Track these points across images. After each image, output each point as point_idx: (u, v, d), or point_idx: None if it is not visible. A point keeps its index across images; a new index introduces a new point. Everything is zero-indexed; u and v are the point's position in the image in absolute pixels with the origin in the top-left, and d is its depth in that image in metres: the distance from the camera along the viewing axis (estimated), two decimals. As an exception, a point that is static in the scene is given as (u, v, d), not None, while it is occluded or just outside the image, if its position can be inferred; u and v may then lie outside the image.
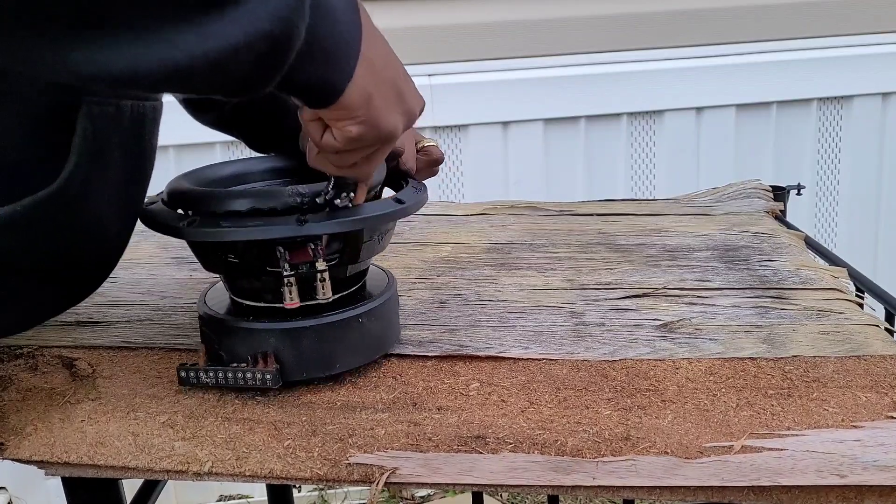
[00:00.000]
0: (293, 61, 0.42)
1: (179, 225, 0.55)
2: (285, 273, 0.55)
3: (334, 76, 0.45)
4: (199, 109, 0.72)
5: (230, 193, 0.57)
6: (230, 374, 0.58)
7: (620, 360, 0.64)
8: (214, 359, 0.60)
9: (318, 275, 0.56)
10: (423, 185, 0.65)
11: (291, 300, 0.56)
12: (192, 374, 0.59)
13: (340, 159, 0.52)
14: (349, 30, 0.45)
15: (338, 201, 0.55)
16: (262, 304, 0.60)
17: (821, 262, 0.86)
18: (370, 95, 0.48)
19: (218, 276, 0.63)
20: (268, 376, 0.57)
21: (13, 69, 0.36)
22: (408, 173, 0.68)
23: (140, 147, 0.56)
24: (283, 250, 0.55)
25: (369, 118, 0.49)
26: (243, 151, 1.49)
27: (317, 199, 0.54)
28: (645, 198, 1.41)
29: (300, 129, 0.66)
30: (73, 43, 0.35)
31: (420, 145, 0.72)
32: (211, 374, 0.58)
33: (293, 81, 0.44)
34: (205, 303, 0.62)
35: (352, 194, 0.55)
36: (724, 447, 0.52)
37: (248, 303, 0.61)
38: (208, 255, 0.59)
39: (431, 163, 0.73)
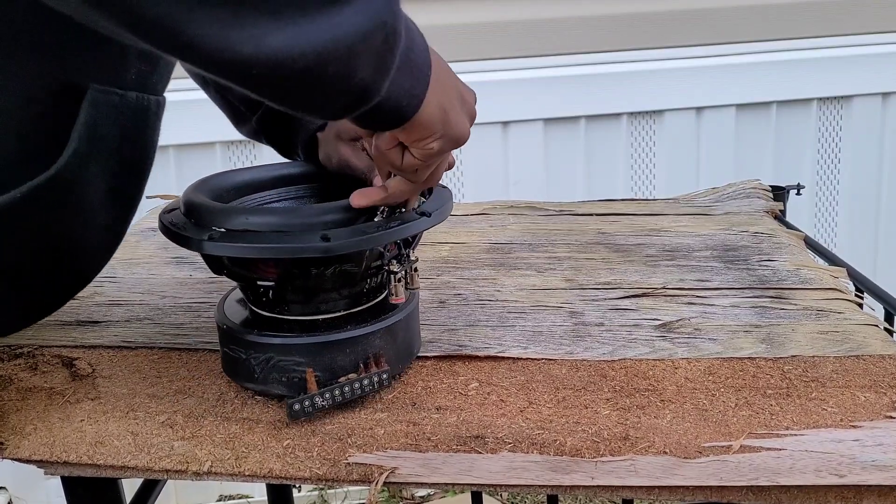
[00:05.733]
0: (395, 69, 0.44)
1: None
2: (395, 270, 0.59)
3: (417, 88, 0.48)
4: (241, 121, 0.74)
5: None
6: (346, 389, 0.56)
7: (619, 359, 0.64)
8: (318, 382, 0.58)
9: (394, 276, 0.59)
10: (448, 189, 0.66)
11: (397, 296, 0.60)
12: (306, 403, 0.56)
13: (416, 176, 0.55)
14: (424, 46, 0.48)
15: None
16: (340, 314, 0.60)
17: (820, 261, 0.86)
18: (444, 109, 0.50)
19: (246, 300, 0.62)
20: (384, 377, 0.58)
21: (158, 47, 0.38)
22: None
23: (140, 139, 0.57)
24: (386, 251, 0.58)
25: (447, 132, 0.51)
26: (242, 151, 1.49)
27: (374, 220, 0.57)
28: (645, 198, 1.41)
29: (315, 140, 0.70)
30: (228, 23, 0.37)
31: None
32: (327, 396, 0.56)
33: (387, 96, 0.45)
34: (291, 333, 0.58)
35: (402, 210, 0.58)
36: (722, 447, 0.52)
37: (324, 317, 0.59)
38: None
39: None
